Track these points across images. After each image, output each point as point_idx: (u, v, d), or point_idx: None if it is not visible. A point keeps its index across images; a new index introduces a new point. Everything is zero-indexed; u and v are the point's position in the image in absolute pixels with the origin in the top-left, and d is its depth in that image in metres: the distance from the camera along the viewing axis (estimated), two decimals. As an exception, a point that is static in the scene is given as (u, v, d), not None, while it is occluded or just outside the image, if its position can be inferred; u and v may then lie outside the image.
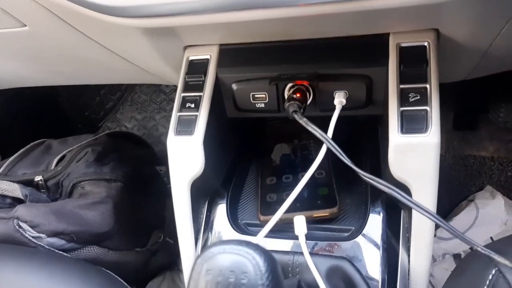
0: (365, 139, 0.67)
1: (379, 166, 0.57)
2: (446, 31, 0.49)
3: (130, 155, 1.02)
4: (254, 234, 0.57)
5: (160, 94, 1.51)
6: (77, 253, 0.82)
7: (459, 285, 0.47)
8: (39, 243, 0.79)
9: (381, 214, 0.55)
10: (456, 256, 1.06)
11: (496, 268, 0.42)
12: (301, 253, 0.50)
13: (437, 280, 1.02)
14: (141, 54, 0.63)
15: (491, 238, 1.05)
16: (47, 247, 0.79)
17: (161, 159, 1.16)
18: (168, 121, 0.56)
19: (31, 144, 1.04)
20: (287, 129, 0.73)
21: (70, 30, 0.58)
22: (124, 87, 1.53)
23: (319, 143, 0.49)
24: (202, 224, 0.60)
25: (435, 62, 0.49)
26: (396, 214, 0.54)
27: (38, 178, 0.91)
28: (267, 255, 0.30)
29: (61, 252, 0.80)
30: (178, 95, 0.57)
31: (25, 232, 0.78)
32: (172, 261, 1.08)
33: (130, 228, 0.90)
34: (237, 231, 0.58)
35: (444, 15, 0.46)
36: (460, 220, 1.09)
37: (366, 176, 0.45)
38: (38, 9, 0.54)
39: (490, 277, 0.42)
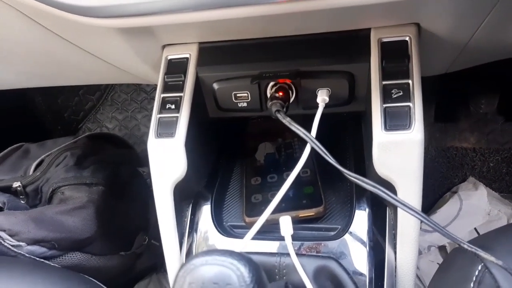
0: (349, 135, 0.67)
1: (364, 163, 0.57)
2: (427, 25, 0.49)
3: (111, 157, 1.00)
4: (240, 236, 0.57)
5: (140, 93, 1.49)
6: (59, 260, 0.80)
7: (445, 281, 0.47)
8: (19, 251, 0.77)
9: (367, 212, 0.55)
10: (441, 248, 1.07)
11: (482, 264, 0.42)
12: (288, 254, 0.49)
13: (423, 272, 1.04)
14: (118, 55, 0.61)
15: (475, 229, 1.07)
16: (27, 255, 0.77)
17: (144, 160, 1.14)
18: (150, 120, 0.55)
19: (8, 149, 1.02)
20: (271, 127, 0.72)
21: (42, 32, 0.56)
22: (104, 86, 1.50)
23: (304, 141, 0.48)
24: (187, 228, 0.59)
25: (417, 57, 0.49)
26: (381, 211, 0.54)
27: (16, 184, 0.88)
28: (251, 264, 0.29)
29: (42, 260, 0.78)
30: (158, 96, 0.55)
31: (4, 241, 0.76)
32: (158, 263, 1.07)
33: (113, 232, 0.89)
34: (222, 234, 0.57)
35: (425, 10, 0.46)
36: (445, 212, 1.11)
37: (351, 176, 0.45)
38: (7, 10, 0.52)
39: (477, 273, 0.42)
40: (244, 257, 0.30)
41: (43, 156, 0.94)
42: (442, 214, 1.10)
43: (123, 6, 0.44)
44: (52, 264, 0.79)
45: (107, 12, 0.44)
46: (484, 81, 1.09)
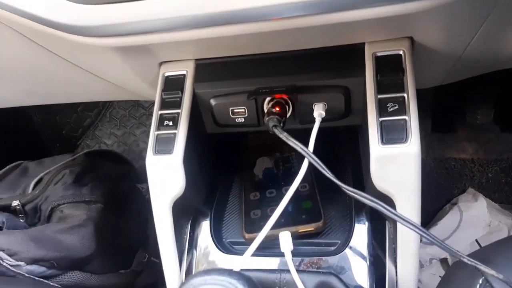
0: (346, 149, 0.67)
1: (362, 177, 0.57)
2: (420, 39, 0.50)
3: (110, 174, 0.99)
4: (240, 253, 0.56)
5: (139, 108, 1.49)
6: (59, 279, 0.80)
7: (447, 295, 0.47)
8: (18, 271, 0.76)
9: (366, 226, 0.54)
10: (443, 261, 1.06)
11: (483, 277, 0.42)
12: (288, 271, 0.49)
13: (425, 285, 1.03)
14: (115, 72, 0.62)
15: (476, 240, 1.06)
16: (27, 275, 0.77)
17: (143, 175, 1.14)
18: (148, 136, 0.55)
19: (7, 167, 1.01)
20: (268, 141, 0.72)
21: (39, 51, 0.56)
22: (102, 103, 1.50)
23: (302, 155, 0.48)
24: (186, 245, 0.58)
25: (411, 70, 0.49)
26: (381, 224, 0.54)
27: (15, 203, 0.88)
28: (251, 284, 0.29)
29: (41, 280, 0.78)
30: (155, 113, 0.56)
31: (3, 261, 0.75)
32: (158, 281, 1.05)
33: (112, 250, 0.88)
34: (221, 251, 0.57)
35: (418, 24, 0.46)
36: (445, 224, 1.10)
37: (349, 190, 0.45)
38: (3, 29, 0.52)
39: (478, 287, 0.41)
40: (244, 277, 0.29)
41: (41, 174, 0.94)
42: (443, 226, 1.09)
43: (119, 25, 0.44)
44: (52, 283, 0.79)
45: (103, 32, 0.45)
46: (480, 91, 1.10)
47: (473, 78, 0.70)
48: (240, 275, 0.29)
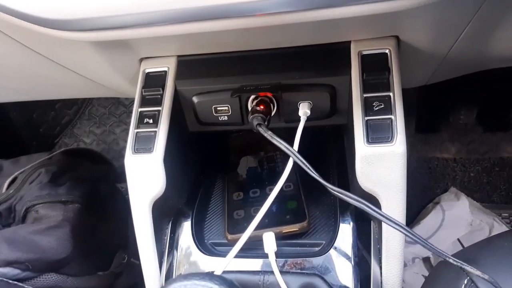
0: (331, 148, 0.66)
1: (347, 176, 0.56)
2: (406, 38, 0.49)
3: (88, 173, 0.97)
4: (222, 254, 0.55)
5: (119, 106, 1.46)
6: (34, 282, 0.77)
7: (432, 296, 0.47)
8: (-10, 274, 0.73)
9: (351, 226, 0.54)
10: (426, 260, 1.07)
11: (468, 278, 0.41)
12: (272, 272, 0.48)
13: (408, 284, 1.03)
14: (93, 68, 0.60)
15: (458, 239, 1.07)
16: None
17: (123, 175, 1.11)
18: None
19: (-21, 166, 0.98)
20: (252, 140, 0.71)
21: (15, 45, 0.54)
22: (81, 100, 1.48)
23: (286, 154, 0.47)
24: (166, 246, 0.57)
25: (397, 69, 0.49)
26: (366, 225, 0.53)
27: (-12, 202, 0.85)
28: (233, 288, 0.28)
29: (15, 283, 0.75)
30: (135, 111, 0.54)
31: (-25, 264, 0.73)
32: (138, 283, 1.03)
33: (90, 252, 0.86)
34: (203, 252, 0.55)
35: (403, 23, 0.46)
36: (427, 223, 1.11)
37: (334, 190, 0.44)
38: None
39: (463, 287, 0.41)
40: (226, 281, 0.28)
41: (16, 173, 0.91)
42: (426, 226, 1.10)
43: (97, 19, 0.42)
44: (26, 286, 0.76)
45: (81, 25, 0.43)
46: (463, 92, 1.12)
47: (456, 79, 0.71)
48: (221, 279, 0.28)
